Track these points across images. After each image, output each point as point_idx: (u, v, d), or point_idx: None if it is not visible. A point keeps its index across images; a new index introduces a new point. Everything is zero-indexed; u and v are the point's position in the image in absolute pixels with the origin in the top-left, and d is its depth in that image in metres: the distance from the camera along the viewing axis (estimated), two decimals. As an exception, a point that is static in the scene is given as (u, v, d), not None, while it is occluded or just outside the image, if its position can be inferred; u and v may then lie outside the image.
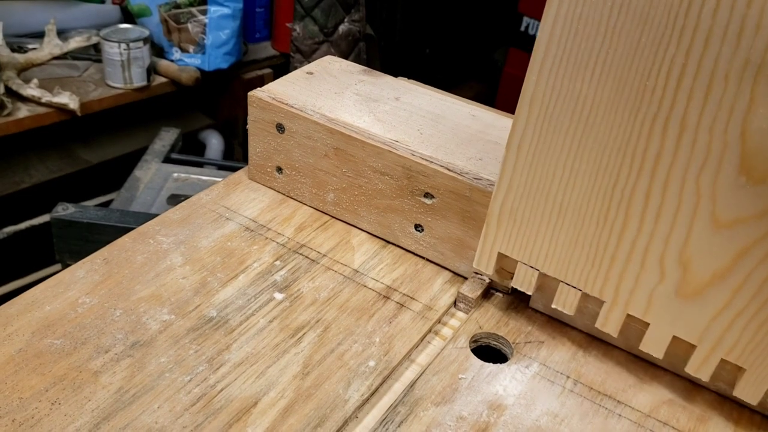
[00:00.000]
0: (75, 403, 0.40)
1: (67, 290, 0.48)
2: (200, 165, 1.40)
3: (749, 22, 0.34)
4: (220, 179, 1.35)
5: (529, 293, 0.48)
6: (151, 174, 1.34)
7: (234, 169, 1.42)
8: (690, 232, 0.40)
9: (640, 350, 0.45)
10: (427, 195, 0.52)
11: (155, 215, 1.13)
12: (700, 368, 0.43)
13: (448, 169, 0.50)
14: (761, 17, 0.33)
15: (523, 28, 2.21)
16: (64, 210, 1.07)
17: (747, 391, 0.42)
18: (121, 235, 1.08)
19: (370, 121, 0.55)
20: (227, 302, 0.48)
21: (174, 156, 1.41)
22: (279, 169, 0.59)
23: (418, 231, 0.54)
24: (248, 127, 0.59)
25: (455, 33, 2.28)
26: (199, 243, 0.53)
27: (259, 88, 0.58)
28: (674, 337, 0.43)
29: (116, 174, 1.54)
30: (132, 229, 1.05)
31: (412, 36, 2.01)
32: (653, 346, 0.44)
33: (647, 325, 0.44)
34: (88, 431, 0.39)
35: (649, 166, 0.39)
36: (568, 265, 0.45)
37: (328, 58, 0.65)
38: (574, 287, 0.46)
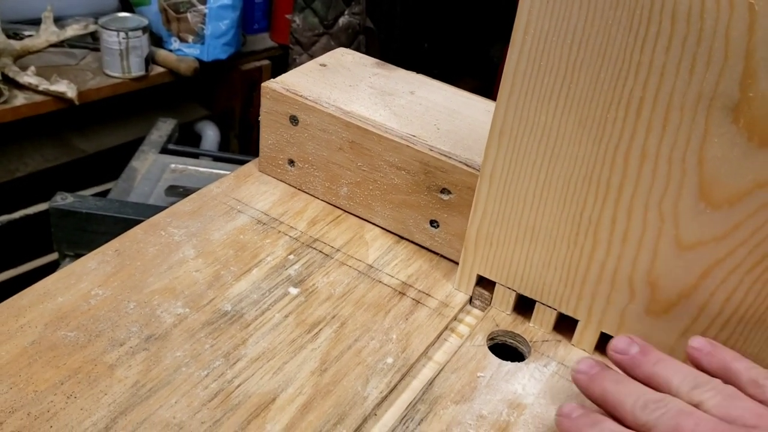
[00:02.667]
0: (91, 396, 0.39)
1: (79, 282, 0.47)
2: (197, 156, 1.39)
3: (700, 58, 0.36)
4: (218, 171, 1.34)
5: (507, 313, 0.50)
6: (149, 165, 1.33)
7: (232, 161, 1.41)
8: (656, 255, 0.42)
9: (659, 350, 0.45)
10: (444, 191, 0.51)
11: (154, 206, 1.12)
12: None
13: (467, 165, 0.50)
14: (710, 54, 0.36)
15: (521, 25, 2.20)
16: (63, 199, 1.06)
17: None
18: (119, 226, 1.07)
19: (387, 115, 0.55)
20: (242, 296, 0.48)
21: (171, 147, 1.39)
22: (291, 162, 0.58)
23: (434, 227, 0.53)
24: (260, 118, 0.58)
25: (453, 28, 2.27)
26: (211, 236, 0.52)
27: (272, 79, 0.57)
28: None
29: (112, 164, 1.53)
30: (131, 219, 1.04)
31: (412, 30, 2.00)
32: None
33: None
34: (106, 426, 0.38)
35: (614, 193, 0.41)
36: (542, 286, 0.47)
37: (341, 50, 0.65)
38: (550, 306, 0.48)
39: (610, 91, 0.39)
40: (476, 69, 2.35)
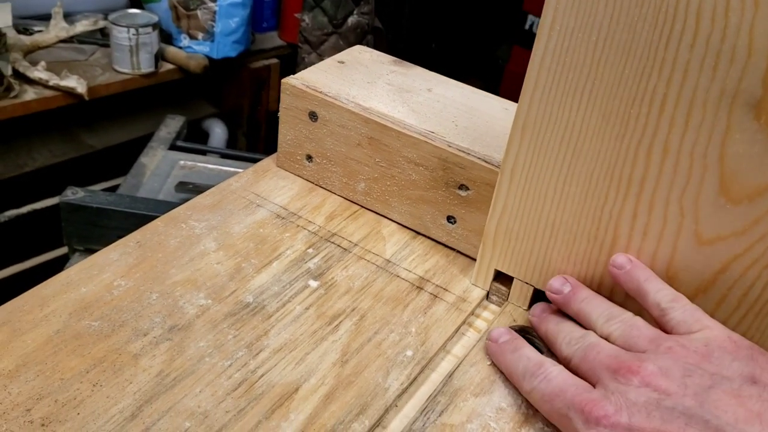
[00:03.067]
0: (116, 385, 0.40)
1: (101, 272, 0.47)
2: (204, 153, 1.39)
3: (723, 56, 0.36)
4: (227, 168, 1.34)
5: (525, 308, 0.50)
6: (157, 161, 1.33)
7: (240, 159, 1.42)
8: (675, 249, 0.42)
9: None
10: (462, 187, 0.52)
11: (165, 201, 1.13)
12: None
13: (486, 162, 0.50)
14: (734, 51, 0.36)
15: (527, 26, 2.21)
16: (74, 194, 1.07)
17: None
18: (130, 221, 1.08)
19: (405, 111, 0.55)
20: (263, 288, 0.48)
21: (179, 144, 1.40)
22: (309, 158, 0.59)
23: (451, 223, 0.54)
24: (279, 114, 0.59)
25: (460, 29, 2.28)
26: (231, 229, 0.53)
27: (292, 76, 0.58)
28: None
29: (120, 160, 1.53)
30: (142, 215, 1.05)
31: (419, 30, 2.01)
32: None
33: None
34: (131, 413, 0.39)
35: (635, 188, 0.42)
36: None
37: (358, 47, 0.65)
38: None
39: (634, 87, 0.39)
40: (482, 70, 2.35)
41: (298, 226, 0.55)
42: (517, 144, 0.45)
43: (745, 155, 0.38)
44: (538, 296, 0.49)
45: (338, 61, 0.62)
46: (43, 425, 0.37)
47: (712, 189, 0.40)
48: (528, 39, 2.16)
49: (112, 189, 1.40)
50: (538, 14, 2.16)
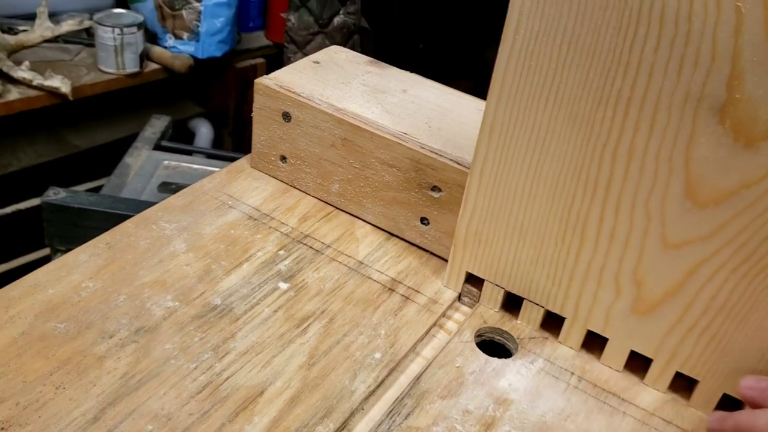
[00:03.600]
0: (80, 387, 0.40)
1: (70, 274, 0.47)
2: (190, 153, 1.39)
3: (687, 60, 0.37)
4: (211, 168, 1.34)
5: (495, 310, 0.50)
6: (142, 161, 1.33)
7: (225, 159, 1.41)
8: (642, 253, 0.42)
9: (644, 348, 0.46)
10: (434, 188, 0.52)
11: (146, 202, 1.12)
12: (657, 380, 0.46)
13: (458, 163, 0.50)
14: (698, 55, 0.36)
15: (516, 27, 2.21)
16: (56, 194, 1.06)
17: (701, 402, 0.45)
18: (111, 222, 1.07)
19: (379, 112, 0.55)
20: (232, 290, 0.48)
21: (164, 144, 1.39)
22: (283, 158, 0.59)
23: (424, 224, 0.54)
24: (253, 114, 0.59)
25: (448, 29, 2.28)
26: (202, 230, 0.53)
27: (265, 76, 0.57)
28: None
29: (105, 160, 1.52)
30: (123, 215, 1.04)
31: (407, 30, 2.00)
32: (613, 359, 0.47)
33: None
34: (94, 416, 0.38)
35: (602, 191, 0.42)
36: (530, 284, 0.48)
37: (334, 48, 0.65)
38: (537, 304, 0.48)
39: (599, 91, 0.39)
40: (471, 70, 2.35)
41: (270, 227, 0.54)
42: (485, 146, 0.45)
43: (711, 159, 0.38)
44: (509, 298, 0.49)
45: (313, 62, 0.61)
46: (2, 429, 0.37)
47: (678, 193, 0.40)
48: (516, 40, 2.16)
49: (98, 189, 1.39)
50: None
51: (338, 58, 0.63)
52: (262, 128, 0.58)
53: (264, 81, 0.57)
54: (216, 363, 0.42)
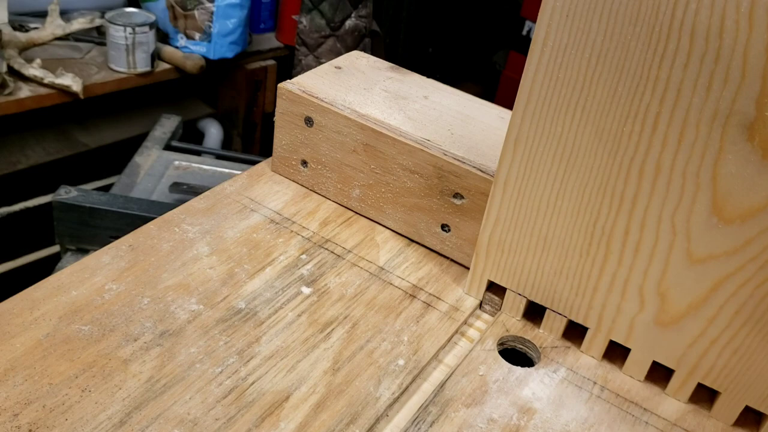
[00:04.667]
0: (105, 391, 0.40)
1: (93, 276, 0.47)
2: (199, 153, 1.39)
3: (717, 76, 0.36)
4: (222, 169, 1.34)
5: (517, 319, 0.50)
6: (152, 161, 1.33)
7: (235, 160, 1.42)
8: (667, 267, 0.42)
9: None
10: (456, 195, 0.52)
11: (158, 202, 1.12)
12: (679, 390, 0.46)
13: (481, 171, 0.50)
14: (728, 72, 0.36)
15: (524, 32, 2.22)
16: (67, 193, 1.06)
17: (722, 413, 0.45)
18: (123, 221, 1.07)
19: (401, 118, 0.55)
20: (255, 294, 0.48)
21: (174, 144, 1.39)
22: (304, 163, 0.59)
23: (445, 231, 0.54)
24: (275, 119, 0.59)
25: (457, 34, 2.28)
26: (224, 233, 0.53)
27: (288, 81, 0.58)
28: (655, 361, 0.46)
29: (113, 159, 1.53)
30: (135, 215, 1.04)
31: (417, 35, 2.01)
32: (635, 369, 0.47)
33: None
34: (120, 420, 0.38)
35: (627, 205, 0.42)
36: (553, 294, 0.48)
37: (356, 53, 0.65)
38: (560, 314, 0.48)
39: (627, 105, 0.39)
40: (479, 75, 2.35)
41: (291, 231, 0.54)
42: (510, 157, 0.45)
43: (738, 176, 0.38)
44: (532, 307, 0.49)
45: (335, 67, 0.61)
46: (30, 431, 0.37)
47: (705, 208, 0.40)
48: (525, 45, 2.16)
49: (106, 188, 1.40)
50: (536, 20, 2.18)
51: (360, 63, 0.63)
52: (284, 133, 0.59)
53: (287, 86, 0.57)
54: (241, 367, 0.42)
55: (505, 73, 2.26)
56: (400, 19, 1.87)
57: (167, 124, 1.43)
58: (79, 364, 0.41)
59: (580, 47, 0.39)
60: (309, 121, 0.56)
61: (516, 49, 2.22)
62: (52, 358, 0.41)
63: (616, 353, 0.48)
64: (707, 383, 0.44)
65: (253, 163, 1.39)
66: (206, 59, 1.52)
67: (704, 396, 0.46)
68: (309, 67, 1.53)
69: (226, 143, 1.76)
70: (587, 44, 0.39)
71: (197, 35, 1.50)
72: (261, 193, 0.58)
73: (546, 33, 0.40)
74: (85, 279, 0.47)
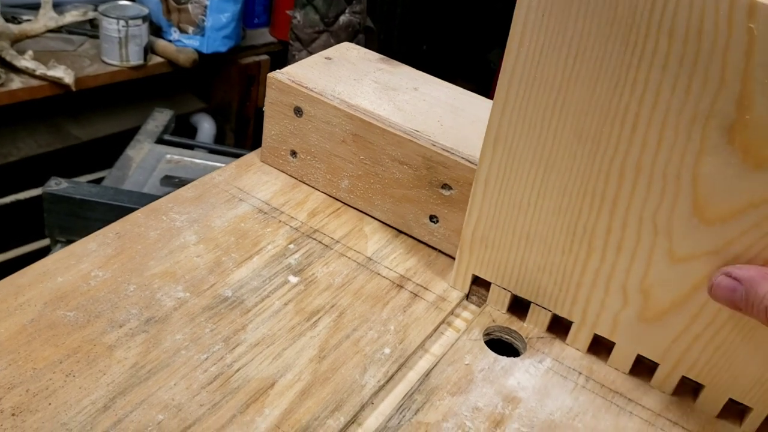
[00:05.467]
0: (90, 376, 0.40)
1: (79, 262, 0.47)
2: (191, 148, 1.39)
3: (696, 78, 0.36)
4: (214, 163, 1.34)
5: (503, 312, 0.50)
6: (144, 154, 1.33)
7: (227, 155, 1.41)
8: (649, 265, 0.42)
9: (652, 350, 0.46)
10: (445, 186, 0.52)
11: (149, 195, 1.12)
12: (663, 383, 0.46)
13: (470, 162, 0.50)
14: (707, 74, 0.36)
15: (519, 31, 2.21)
16: (57, 185, 1.06)
17: (706, 405, 0.45)
18: (113, 213, 1.07)
19: (390, 109, 0.55)
20: (242, 282, 0.48)
21: (167, 137, 1.39)
22: (293, 153, 0.59)
23: (433, 222, 0.54)
24: (265, 108, 0.59)
25: (452, 31, 2.28)
26: (212, 222, 0.53)
27: (278, 70, 0.57)
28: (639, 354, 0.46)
29: (105, 152, 1.52)
30: (126, 207, 1.04)
31: (411, 31, 2.01)
32: (619, 362, 0.47)
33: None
34: (104, 405, 0.38)
35: (608, 205, 0.42)
36: (538, 288, 0.48)
37: (346, 44, 0.65)
38: (545, 308, 0.48)
39: (606, 106, 0.39)
40: (473, 73, 2.36)
41: (280, 221, 0.54)
42: (490, 155, 0.44)
43: (719, 177, 0.38)
44: (516, 300, 0.50)
45: (325, 58, 0.61)
46: (13, 414, 0.37)
47: (686, 209, 0.39)
48: (519, 43, 2.16)
49: (97, 181, 1.39)
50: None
51: (350, 55, 0.63)
52: (273, 123, 0.58)
53: (277, 75, 0.57)
54: (227, 354, 0.42)
55: (499, 72, 2.26)
56: (395, 16, 1.88)
57: (160, 118, 1.42)
58: (63, 350, 0.41)
59: (557, 47, 0.39)
60: (298, 111, 0.56)
61: (510, 47, 2.21)
62: (37, 343, 0.41)
63: (601, 346, 0.48)
64: (691, 377, 0.44)
65: (246, 157, 1.38)
66: (199, 53, 1.51)
67: (688, 388, 0.46)
68: (302, 63, 1.53)
69: (219, 138, 1.76)
70: (564, 44, 0.39)
71: (190, 29, 1.49)
72: (249, 183, 0.58)
73: (522, 32, 0.39)
74: (71, 265, 0.47)
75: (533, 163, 0.43)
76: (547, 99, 0.41)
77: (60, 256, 0.47)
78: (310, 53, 1.52)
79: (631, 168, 0.40)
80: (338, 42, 1.55)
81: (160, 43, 1.52)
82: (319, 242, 0.53)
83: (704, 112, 0.36)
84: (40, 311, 0.43)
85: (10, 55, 1.37)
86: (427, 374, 0.44)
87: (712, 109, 0.36)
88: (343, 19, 1.52)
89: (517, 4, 0.39)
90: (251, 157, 0.62)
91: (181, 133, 1.50)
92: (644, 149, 0.39)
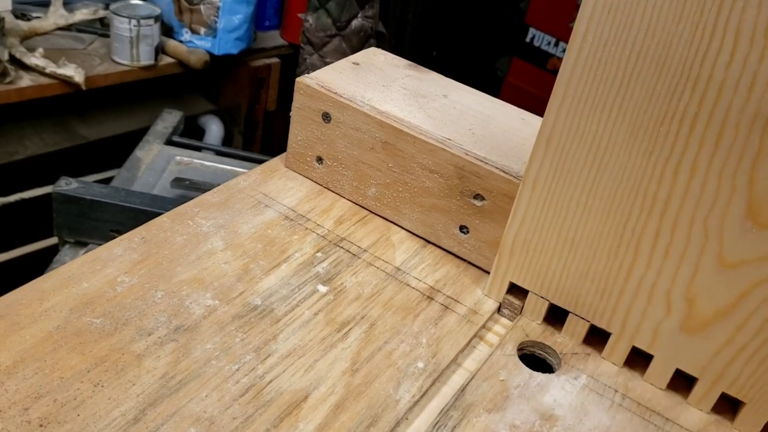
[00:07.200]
0: (119, 386, 0.38)
1: (104, 267, 0.46)
2: (200, 150, 1.37)
3: (760, 76, 0.36)
4: (223, 166, 1.33)
5: (538, 323, 0.49)
6: (153, 155, 1.31)
7: (236, 157, 1.40)
8: (697, 271, 0.42)
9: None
10: (477, 196, 0.51)
11: (160, 197, 1.11)
12: (701, 400, 0.45)
13: (504, 172, 0.49)
14: None
15: (528, 39, 2.21)
16: (67, 185, 1.04)
17: (746, 425, 0.44)
18: (124, 215, 1.05)
19: (421, 117, 0.54)
20: (271, 291, 0.47)
21: (175, 139, 1.38)
22: (319, 159, 0.58)
23: (463, 233, 0.53)
24: (291, 113, 0.57)
25: (462, 39, 2.28)
26: (239, 228, 0.52)
27: (306, 75, 0.56)
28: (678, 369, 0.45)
29: (112, 152, 1.51)
30: (137, 209, 1.03)
31: (422, 37, 2.00)
32: (656, 377, 0.46)
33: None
34: (134, 417, 0.37)
35: (660, 207, 0.41)
36: (577, 297, 0.47)
37: (373, 50, 0.64)
38: (583, 318, 0.47)
39: (665, 104, 0.39)
40: (481, 80, 2.35)
41: (306, 228, 0.53)
42: (541, 155, 0.44)
43: None
44: (553, 310, 0.49)
45: (353, 63, 0.60)
46: (41, 425, 0.36)
47: (739, 212, 0.39)
48: (528, 52, 2.16)
49: (103, 181, 1.38)
50: (540, 28, 2.17)
51: (377, 60, 0.62)
52: (300, 128, 0.57)
53: (305, 80, 0.56)
54: (258, 365, 0.41)
55: (507, 80, 2.26)
56: (406, 21, 1.87)
57: (169, 119, 1.41)
58: (91, 358, 0.40)
59: (621, 43, 0.38)
60: (326, 117, 0.55)
61: (519, 56, 2.21)
62: (63, 350, 0.40)
63: (637, 361, 0.47)
64: (732, 393, 0.43)
65: (255, 160, 1.37)
66: (210, 54, 1.50)
67: (727, 406, 0.45)
68: (314, 66, 1.52)
69: (227, 140, 1.75)
70: (628, 40, 0.38)
71: (202, 30, 1.48)
72: (275, 188, 0.57)
73: (587, 27, 0.39)
74: (97, 270, 0.46)
75: (586, 162, 0.42)
76: (606, 96, 0.40)
77: (84, 260, 0.46)
78: (321, 57, 1.51)
79: (686, 168, 0.39)
80: (350, 46, 1.54)
81: (171, 44, 1.51)
82: (347, 251, 0.52)
83: (765, 112, 0.36)
84: (66, 317, 0.42)
85: (20, 53, 1.36)
86: (462, 390, 0.43)
87: None
88: (355, 23, 1.52)
89: (582, 1, 0.39)
90: (275, 162, 0.61)
91: (189, 135, 1.49)
92: (701, 149, 0.38)
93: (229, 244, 0.50)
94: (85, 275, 0.45)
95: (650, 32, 0.38)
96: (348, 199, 0.58)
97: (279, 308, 0.45)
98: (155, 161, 1.29)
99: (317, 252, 0.51)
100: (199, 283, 0.46)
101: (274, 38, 1.73)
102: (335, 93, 0.55)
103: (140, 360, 0.40)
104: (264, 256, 0.49)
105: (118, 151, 1.38)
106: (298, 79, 0.56)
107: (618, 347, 0.46)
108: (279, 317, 0.45)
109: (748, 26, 0.35)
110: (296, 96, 0.56)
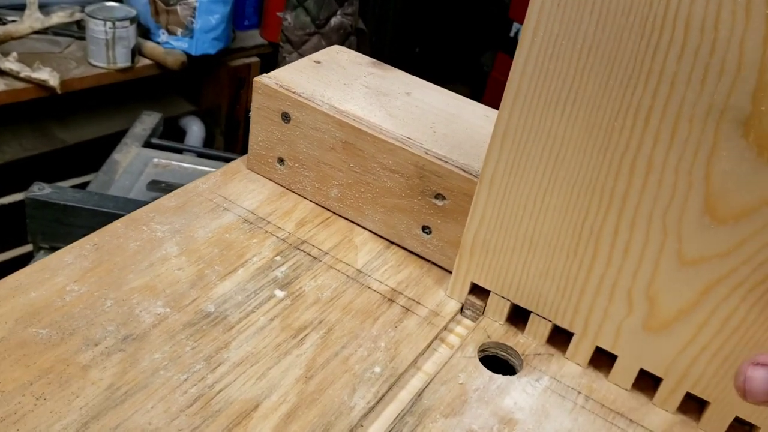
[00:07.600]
0: (62, 399, 0.37)
1: (54, 276, 0.45)
2: (180, 151, 1.36)
3: (712, 69, 0.35)
4: (202, 167, 1.31)
5: (500, 323, 0.48)
6: (131, 158, 1.30)
7: (216, 159, 1.39)
8: (657, 268, 0.41)
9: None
10: (438, 196, 0.50)
11: (135, 200, 1.09)
12: (666, 400, 0.44)
13: (464, 171, 0.48)
14: (723, 65, 0.34)
15: (512, 34, 2.20)
16: (40, 190, 1.03)
17: (711, 424, 0.43)
18: (98, 220, 1.04)
19: (382, 115, 0.53)
20: (226, 297, 0.46)
21: (154, 141, 1.36)
22: (281, 161, 0.57)
23: (426, 233, 0.52)
24: (251, 114, 0.56)
25: (445, 34, 2.27)
26: (195, 233, 0.50)
27: (265, 74, 0.55)
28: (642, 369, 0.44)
29: (92, 156, 1.49)
30: (111, 213, 1.01)
31: (403, 33, 1.99)
32: (621, 377, 0.45)
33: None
34: (76, 430, 0.36)
35: (617, 203, 0.40)
36: (539, 297, 0.46)
37: (336, 47, 0.63)
38: (545, 318, 0.46)
39: (619, 99, 0.38)
40: (466, 76, 2.34)
41: (266, 232, 0.52)
42: (497, 152, 0.43)
43: (732, 173, 0.36)
44: (516, 311, 0.48)
45: (314, 61, 0.59)
46: (-23, 442, 0.34)
47: (697, 207, 0.38)
48: (513, 46, 2.14)
49: (83, 186, 1.36)
50: (524, 21, 2.17)
51: (340, 58, 0.61)
52: (260, 129, 0.56)
53: (263, 80, 0.55)
54: (208, 374, 0.40)
55: (492, 75, 2.25)
56: (387, 18, 1.86)
57: (147, 121, 1.39)
58: (34, 370, 0.39)
59: (571, 37, 0.37)
60: (286, 117, 0.54)
61: (503, 50, 2.20)
62: (6, 363, 0.39)
63: (601, 361, 0.46)
64: (696, 393, 0.43)
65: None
66: (188, 55, 1.49)
67: (692, 407, 0.44)
68: (293, 65, 1.51)
69: (208, 141, 1.73)
70: (578, 35, 0.37)
71: (179, 31, 1.47)
72: (235, 191, 0.56)
73: (536, 22, 0.38)
74: (46, 279, 0.44)
75: (541, 159, 0.41)
76: (559, 92, 0.39)
77: (34, 269, 0.45)
78: (301, 55, 1.49)
79: (642, 164, 0.38)
80: (329, 44, 1.53)
81: (148, 45, 1.49)
82: (307, 254, 0.51)
83: (719, 105, 0.35)
84: (11, 329, 0.41)
85: (-6, 57, 1.34)
86: (420, 394, 0.42)
87: (727, 102, 0.35)
88: (334, 21, 1.50)
89: None
90: (237, 164, 0.60)
91: (170, 137, 1.47)
92: (656, 144, 0.38)
93: (184, 249, 0.49)
94: (33, 284, 0.44)
95: (600, 26, 0.37)
96: (311, 201, 0.57)
97: (233, 315, 0.44)
98: (133, 164, 1.27)
99: (276, 256, 0.50)
100: (150, 291, 0.45)
101: (253, 37, 1.71)
102: (294, 92, 0.54)
103: (86, 371, 0.39)
104: (220, 261, 0.48)
105: (97, 154, 1.36)
106: (255, 79, 0.55)
107: (581, 347, 0.45)
108: (232, 324, 0.44)
109: (698, 17, 0.34)
110: (255, 96, 0.55)
